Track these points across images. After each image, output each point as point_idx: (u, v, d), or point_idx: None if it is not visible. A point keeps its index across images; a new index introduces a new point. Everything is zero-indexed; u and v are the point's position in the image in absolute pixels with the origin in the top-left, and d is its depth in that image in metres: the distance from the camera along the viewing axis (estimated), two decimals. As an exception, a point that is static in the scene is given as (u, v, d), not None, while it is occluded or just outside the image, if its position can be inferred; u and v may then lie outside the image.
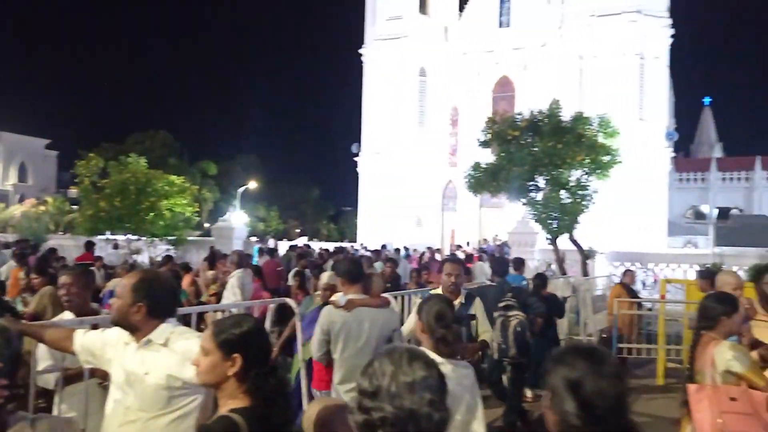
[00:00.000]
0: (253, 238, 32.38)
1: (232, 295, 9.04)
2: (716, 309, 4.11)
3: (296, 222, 69.44)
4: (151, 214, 23.06)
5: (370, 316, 4.77)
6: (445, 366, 2.96)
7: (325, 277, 6.31)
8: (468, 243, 38.17)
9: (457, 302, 5.25)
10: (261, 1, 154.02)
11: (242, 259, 9.59)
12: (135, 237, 23.95)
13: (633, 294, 11.04)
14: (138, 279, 3.10)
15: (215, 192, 57.68)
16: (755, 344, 4.28)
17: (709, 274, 8.08)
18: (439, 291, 5.65)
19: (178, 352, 2.99)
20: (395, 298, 7.19)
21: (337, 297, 4.88)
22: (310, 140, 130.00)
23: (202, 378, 2.47)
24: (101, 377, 3.68)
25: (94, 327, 3.74)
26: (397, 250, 23.64)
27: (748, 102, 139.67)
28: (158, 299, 3.07)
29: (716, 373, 3.96)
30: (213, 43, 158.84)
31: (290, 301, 5.87)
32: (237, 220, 28.94)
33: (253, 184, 51.41)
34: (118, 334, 3.16)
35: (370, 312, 4.79)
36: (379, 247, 27.90)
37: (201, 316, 6.83)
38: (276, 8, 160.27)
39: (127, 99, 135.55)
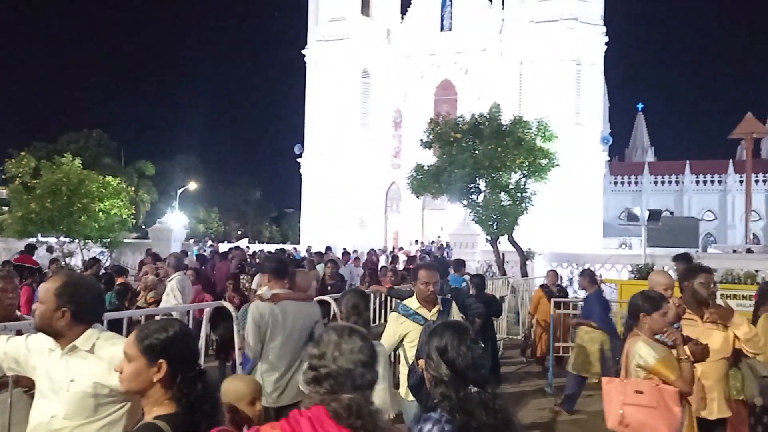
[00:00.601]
0: (192, 241, 31.76)
1: (172, 299, 8.79)
2: (639, 307, 4.26)
3: (237, 224, 68.44)
4: (84, 216, 22.27)
5: (294, 309, 5.07)
6: None
7: (258, 279, 6.25)
8: (417, 241, 38.50)
9: (434, 311, 5.00)
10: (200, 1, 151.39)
11: (180, 262, 9.33)
12: (68, 239, 23.11)
13: (557, 294, 11.12)
14: (61, 283, 2.97)
15: (153, 193, 56.17)
16: (685, 340, 4.43)
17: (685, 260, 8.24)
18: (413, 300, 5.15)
19: (104, 358, 2.88)
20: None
21: (263, 291, 5.10)
22: (252, 141, 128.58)
23: (126, 385, 2.39)
24: (26, 385, 3.52)
25: (19, 333, 3.58)
26: (346, 253, 23.54)
27: (678, 108, 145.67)
28: (83, 304, 2.95)
29: (631, 366, 4.09)
30: (152, 42, 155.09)
31: (227, 305, 5.74)
32: (175, 221, 28.27)
33: (192, 185, 50.45)
34: (43, 340, 3.04)
35: (295, 305, 5.10)
36: (323, 250, 27.75)
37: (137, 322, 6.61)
38: (218, 7, 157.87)
39: (61, 97, 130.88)
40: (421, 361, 4.00)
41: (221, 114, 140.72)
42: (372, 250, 29.55)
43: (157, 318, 5.36)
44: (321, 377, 2.23)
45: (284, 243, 45.88)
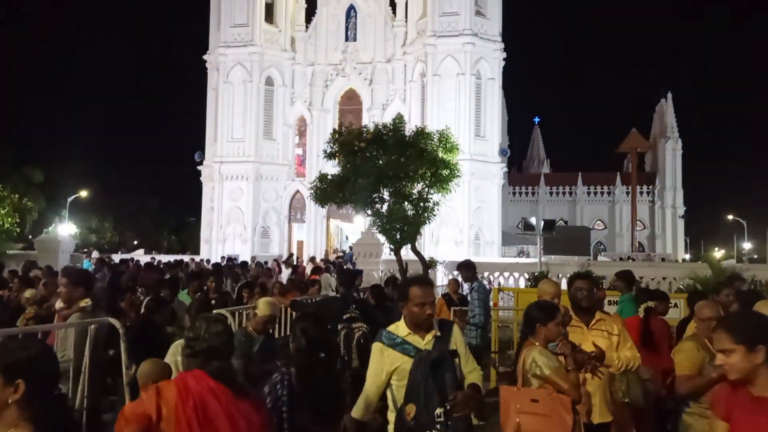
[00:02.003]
0: (84, 252, 30.14)
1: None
2: (534, 317, 4.38)
3: (133, 233, 65.63)
4: (-39, 225, 20.65)
5: None
6: None
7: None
8: (335, 251, 38.33)
9: (429, 338, 4.05)
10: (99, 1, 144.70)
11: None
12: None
13: (457, 303, 11.26)
14: None
15: (41, 201, 52.88)
16: (572, 348, 4.59)
17: (627, 277, 8.87)
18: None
19: None
20: (232, 314, 6.95)
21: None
22: (152, 147, 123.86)
23: None
24: None
25: None
26: (244, 264, 23.04)
27: (572, 122, 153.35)
28: None
29: (527, 375, 4.20)
30: (43, 40, 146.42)
31: (114, 321, 5.42)
32: (64, 231, 26.75)
33: (84, 193, 47.97)
34: None
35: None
36: (220, 259, 27.07)
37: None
38: (116, 6, 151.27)
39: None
40: (411, 407, 3.84)
41: (118, 119, 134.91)
42: (274, 260, 29.19)
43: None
44: (197, 352, 3.16)
45: (183, 253, 44.39)
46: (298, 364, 3.75)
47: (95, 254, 28.78)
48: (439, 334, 4.06)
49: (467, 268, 10.39)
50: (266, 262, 27.10)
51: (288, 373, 3.55)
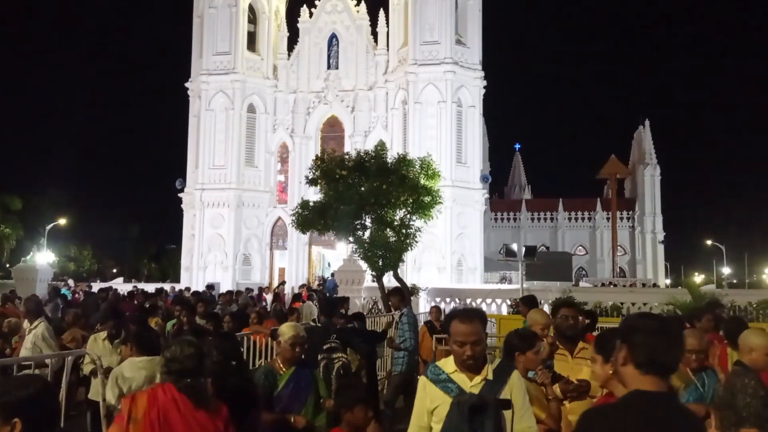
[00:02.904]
0: (63, 281, 29.68)
1: (47, 348, 7.87)
2: (513, 345, 4.39)
3: (113, 261, 64.85)
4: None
5: None
6: None
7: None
8: (318, 279, 38.06)
9: (480, 378, 3.61)
10: (80, 26, 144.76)
11: (39, 307, 8.53)
12: None
13: (439, 330, 11.23)
14: None
15: (19, 229, 52.21)
16: (556, 378, 4.55)
17: (529, 301, 8.84)
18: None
19: None
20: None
21: None
22: (132, 175, 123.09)
23: None
24: None
25: None
26: (230, 293, 22.75)
27: (552, 148, 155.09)
28: None
29: None
30: (23, 67, 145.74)
31: (92, 354, 5.28)
32: (42, 260, 26.35)
33: (63, 221, 47.45)
34: None
35: None
36: (203, 288, 26.78)
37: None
38: (97, 35, 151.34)
39: None
40: None
41: (98, 146, 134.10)
42: (258, 287, 28.90)
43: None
44: (171, 371, 3.71)
45: (164, 281, 43.90)
46: (213, 374, 4.22)
47: (71, 282, 28.33)
48: (491, 378, 3.59)
49: (397, 295, 10.67)
50: (251, 290, 26.90)
51: (205, 383, 3.96)
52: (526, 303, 9.14)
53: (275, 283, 34.62)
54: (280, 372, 5.35)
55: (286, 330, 5.49)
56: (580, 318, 5.67)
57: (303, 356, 5.54)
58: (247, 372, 5.28)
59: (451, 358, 3.67)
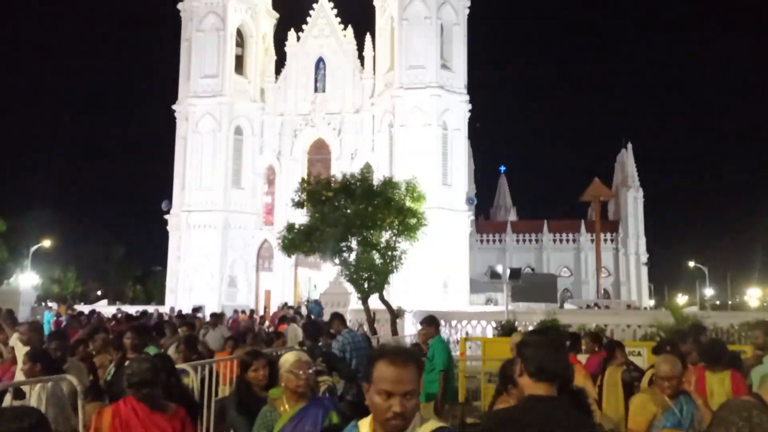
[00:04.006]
0: (48, 304, 29.41)
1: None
2: (509, 376, 4.16)
3: (97, 284, 64.28)
4: None
5: None
6: None
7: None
8: (303, 302, 37.91)
9: None
10: (66, 46, 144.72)
11: (13, 316, 8.51)
12: None
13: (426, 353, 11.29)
14: None
15: (2, 251, 51.69)
16: None
17: (431, 321, 9.35)
18: None
19: None
20: (194, 369, 6.81)
21: None
22: (117, 196, 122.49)
23: None
24: None
25: None
26: (216, 315, 22.65)
27: (537, 170, 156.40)
28: None
29: None
30: (7, 87, 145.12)
31: (72, 379, 5.33)
32: (26, 282, 26.15)
33: (47, 243, 47.06)
34: None
35: None
36: (189, 310, 26.64)
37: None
38: (82, 56, 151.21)
39: None
40: None
41: (83, 167, 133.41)
42: (243, 311, 28.81)
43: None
44: (132, 384, 4.24)
45: (149, 303, 43.58)
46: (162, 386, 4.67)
47: (53, 305, 28.08)
48: None
49: (336, 319, 10.75)
50: (243, 311, 26.90)
51: (160, 391, 4.39)
52: (428, 323, 9.55)
53: (261, 306, 34.51)
54: (280, 411, 4.35)
55: (289, 357, 4.46)
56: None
57: (313, 390, 4.61)
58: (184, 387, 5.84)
59: (369, 418, 2.67)
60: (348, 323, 21.55)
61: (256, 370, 5.15)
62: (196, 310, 26.54)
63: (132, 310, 27.90)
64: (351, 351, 9.54)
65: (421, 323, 10.09)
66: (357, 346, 9.59)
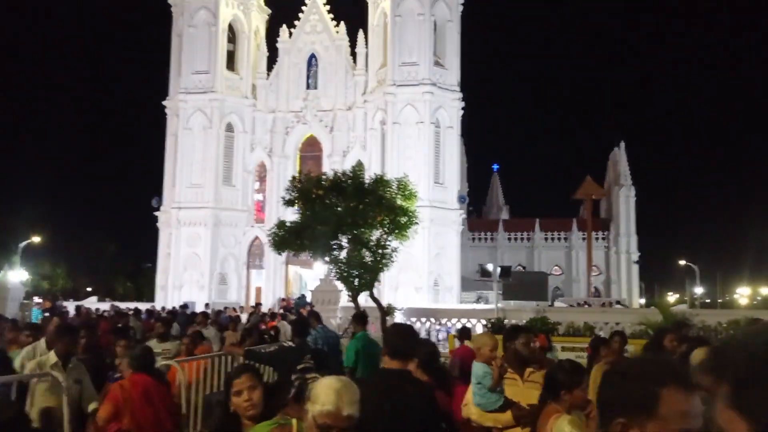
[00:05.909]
0: (35, 300, 29.22)
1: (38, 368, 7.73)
2: (559, 382, 3.86)
3: (87, 279, 63.95)
4: None
5: None
6: None
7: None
8: (284, 299, 37.79)
9: None
10: (56, 43, 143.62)
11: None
12: None
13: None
14: None
15: (-9, 247, 51.30)
16: (509, 404, 4.52)
17: (356, 318, 10.14)
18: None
19: None
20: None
21: None
22: (108, 192, 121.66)
23: None
24: None
25: None
26: (206, 314, 22.54)
27: (530, 169, 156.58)
28: None
29: None
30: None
31: (57, 375, 5.28)
32: (14, 278, 25.95)
33: (37, 239, 46.75)
34: None
35: None
36: (179, 306, 26.51)
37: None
38: (73, 53, 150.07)
39: None
40: None
41: (73, 163, 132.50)
42: (233, 308, 28.70)
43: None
44: (133, 365, 5.45)
45: (139, 300, 43.37)
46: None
47: (39, 301, 27.88)
48: None
49: (314, 317, 12.00)
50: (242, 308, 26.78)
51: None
52: (358, 320, 10.35)
53: (252, 303, 34.40)
54: None
55: (322, 394, 2.74)
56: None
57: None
58: None
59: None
60: (338, 320, 21.62)
61: (239, 393, 3.55)
62: (185, 307, 26.38)
63: (122, 306, 27.73)
64: (323, 344, 10.82)
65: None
66: (328, 340, 11.09)
